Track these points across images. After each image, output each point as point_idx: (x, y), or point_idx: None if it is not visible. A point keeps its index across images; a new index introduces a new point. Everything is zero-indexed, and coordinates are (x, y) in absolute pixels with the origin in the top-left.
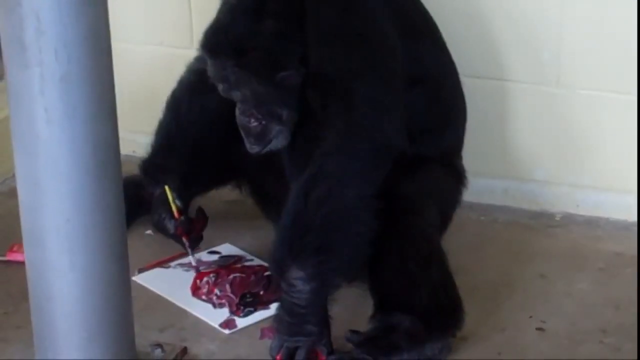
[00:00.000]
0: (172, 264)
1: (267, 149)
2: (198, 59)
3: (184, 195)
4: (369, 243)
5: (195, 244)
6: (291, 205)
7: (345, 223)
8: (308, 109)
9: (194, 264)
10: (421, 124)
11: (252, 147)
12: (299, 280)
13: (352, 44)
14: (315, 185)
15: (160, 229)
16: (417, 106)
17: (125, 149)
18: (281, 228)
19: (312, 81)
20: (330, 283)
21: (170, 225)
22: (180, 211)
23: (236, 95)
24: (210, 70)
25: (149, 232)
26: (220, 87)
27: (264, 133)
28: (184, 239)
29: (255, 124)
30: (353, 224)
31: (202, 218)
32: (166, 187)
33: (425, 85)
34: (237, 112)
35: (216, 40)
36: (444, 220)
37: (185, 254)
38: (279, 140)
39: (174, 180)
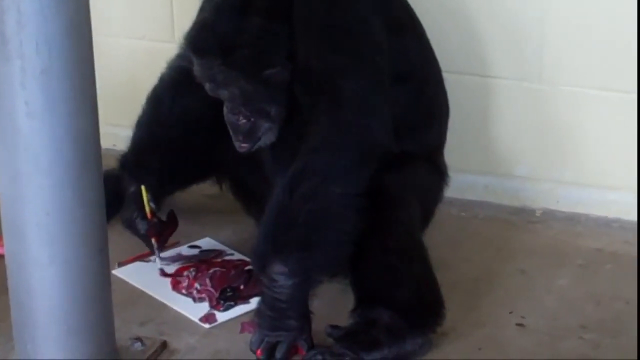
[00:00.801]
0: (152, 257)
1: (256, 146)
2: (179, 56)
3: (159, 195)
4: (353, 240)
5: (163, 247)
6: (275, 201)
7: (330, 220)
8: (293, 105)
9: (159, 266)
10: (405, 120)
11: (241, 146)
12: (281, 275)
13: (339, 40)
14: (300, 182)
15: (129, 227)
16: (401, 103)
17: (106, 142)
18: (265, 223)
19: (299, 77)
20: (313, 279)
21: (142, 226)
22: (153, 213)
23: (224, 94)
24: (197, 69)
25: None
26: (207, 86)
27: (252, 131)
28: (153, 241)
29: (243, 121)
30: (337, 221)
31: (173, 222)
32: (142, 188)
33: (409, 82)
34: (225, 110)
35: (202, 39)
36: (426, 216)
37: (165, 249)
38: (267, 137)
39: (151, 179)
